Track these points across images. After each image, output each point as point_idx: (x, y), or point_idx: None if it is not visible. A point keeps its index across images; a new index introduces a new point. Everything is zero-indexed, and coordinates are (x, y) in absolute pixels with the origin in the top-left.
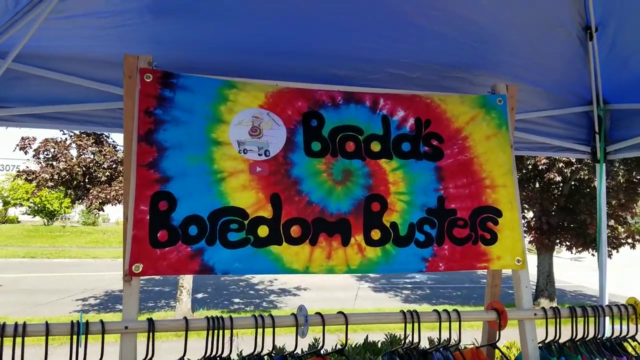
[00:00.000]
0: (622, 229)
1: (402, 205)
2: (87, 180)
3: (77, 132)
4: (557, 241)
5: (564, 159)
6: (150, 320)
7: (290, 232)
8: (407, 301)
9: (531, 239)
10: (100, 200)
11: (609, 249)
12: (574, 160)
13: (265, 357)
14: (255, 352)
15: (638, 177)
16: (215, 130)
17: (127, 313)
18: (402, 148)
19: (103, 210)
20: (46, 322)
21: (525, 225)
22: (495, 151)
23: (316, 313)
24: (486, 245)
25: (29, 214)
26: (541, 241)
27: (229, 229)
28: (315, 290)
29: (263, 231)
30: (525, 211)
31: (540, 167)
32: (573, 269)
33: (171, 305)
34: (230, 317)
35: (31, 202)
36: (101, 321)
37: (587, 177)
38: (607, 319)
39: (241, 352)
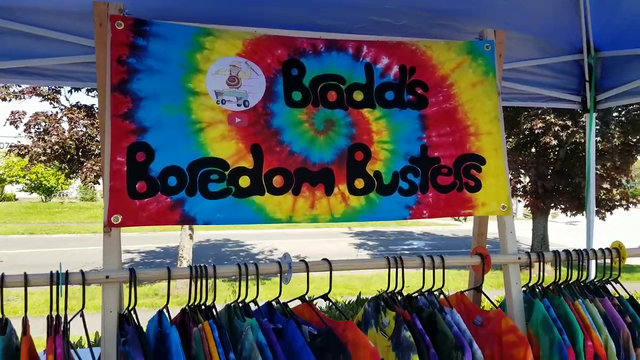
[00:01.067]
0: (616, 192)
1: (386, 154)
2: (80, 153)
3: (67, 105)
4: (552, 205)
5: (560, 122)
6: (131, 270)
7: (273, 182)
8: None
9: (527, 203)
10: (95, 174)
11: (603, 210)
12: (569, 124)
13: (250, 304)
14: (240, 300)
15: (634, 139)
16: (192, 79)
17: (108, 263)
18: (385, 97)
19: (99, 184)
20: (24, 273)
21: (520, 189)
22: (481, 98)
23: (300, 260)
24: (471, 192)
25: (25, 191)
26: (536, 205)
27: (210, 179)
28: (314, 259)
29: (244, 182)
30: (522, 176)
31: (536, 132)
32: (568, 233)
33: None
34: (214, 266)
35: (27, 179)
36: (81, 271)
37: (583, 140)
38: (593, 263)
39: (225, 300)
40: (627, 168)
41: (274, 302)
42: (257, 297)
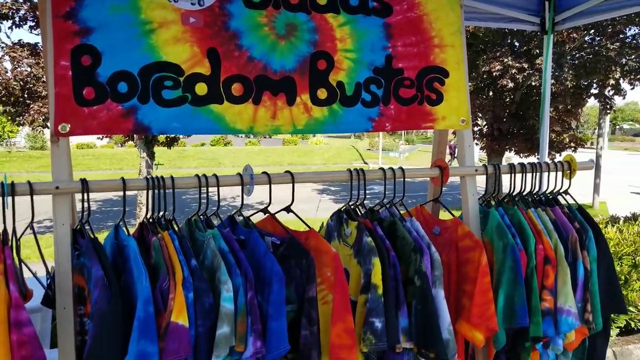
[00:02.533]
0: (566, 135)
1: (349, 64)
2: (26, 95)
3: (9, 42)
4: (507, 147)
5: (516, 65)
6: (83, 180)
7: (232, 90)
8: None
9: (482, 146)
10: (43, 117)
11: (553, 152)
12: (526, 66)
13: (211, 216)
14: (200, 213)
15: (585, 82)
16: None
17: (57, 174)
18: (349, 2)
19: (48, 127)
20: None
21: (477, 132)
22: (445, 9)
23: (263, 172)
24: (432, 106)
25: None
26: (492, 147)
27: (164, 86)
28: (278, 205)
29: (201, 89)
30: (479, 119)
31: (494, 74)
32: (519, 176)
33: (132, 223)
34: (172, 177)
35: None
36: (28, 182)
37: (537, 83)
38: (544, 176)
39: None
40: (577, 112)
41: (235, 216)
42: (217, 209)
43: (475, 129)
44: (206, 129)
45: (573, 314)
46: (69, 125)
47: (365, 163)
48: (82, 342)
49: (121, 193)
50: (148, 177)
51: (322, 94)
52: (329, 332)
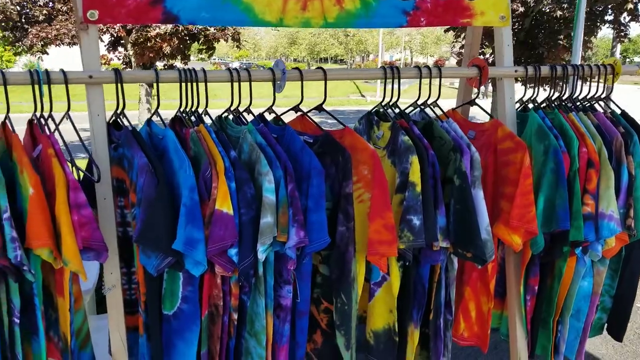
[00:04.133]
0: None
1: None
2: (23, 20)
3: None
4: None
5: None
6: (116, 70)
7: None
8: None
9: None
10: (42, 42)
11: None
12: None
13: (244, 113)
14: (233, 108)
15: (600, 7)
16: None
17: (88, 64)
18: None
19: (47, 54)
20: (1, 71)
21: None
22: None
23: (294, 68)
24: (469, 0)
25: None
26: None
27: None
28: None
29: None
30: (485, 47)
31: None
32: None
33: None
34: (203, 70)
35: None
36: (62, 70)
37: (548, 9)
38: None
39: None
40: (589, 40)
41: (266, 114)
42: (250, 105)
43: (481, 57)
44: (235, 21)
45: (615, 219)
46: (97, 12)
47: (363, 96)
48: (123, 233)
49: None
50: (180, 68)
51: None
52: (365, 230)
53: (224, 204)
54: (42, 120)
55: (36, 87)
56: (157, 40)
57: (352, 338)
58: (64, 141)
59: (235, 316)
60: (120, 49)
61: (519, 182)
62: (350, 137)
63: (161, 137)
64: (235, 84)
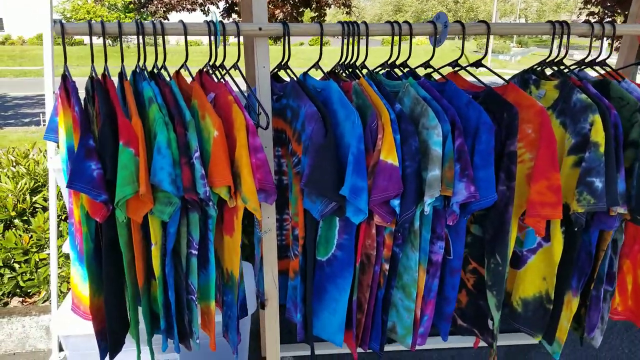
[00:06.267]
0: None
1: None
2: None
3: None
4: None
5: None
6: (284, 23)
7: None
8: None
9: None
10: (165, 8)
11: None
12: None
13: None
14: (390, 62)
15: None
16: None
17: (258, 17)
18: None
19: (167, 19)
20: (181, 20)
21: None
22: None
23: (455, 21)
24: None
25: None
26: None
27: None
28: None
29: None
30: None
31: None
32: None
33: None
34: (365, 23)
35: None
36: (235, 22)
37: None
38: None
39: None
40: None
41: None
42: (408, 58)
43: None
44: None
45: None
46: None
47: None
48: (278, 181)
49: None
50: (342, 22)
51: None
52: (523, 191)
53: (389, 155)
54: (215, 70)
55: (206, 38)
56: (270, 6)
57: (502, 299)
58: (239, 89)
59: (386, 267)
60: (234, 15)
61: None
62: (515, 94)
63: (319, 90)
64: (396, 38)
